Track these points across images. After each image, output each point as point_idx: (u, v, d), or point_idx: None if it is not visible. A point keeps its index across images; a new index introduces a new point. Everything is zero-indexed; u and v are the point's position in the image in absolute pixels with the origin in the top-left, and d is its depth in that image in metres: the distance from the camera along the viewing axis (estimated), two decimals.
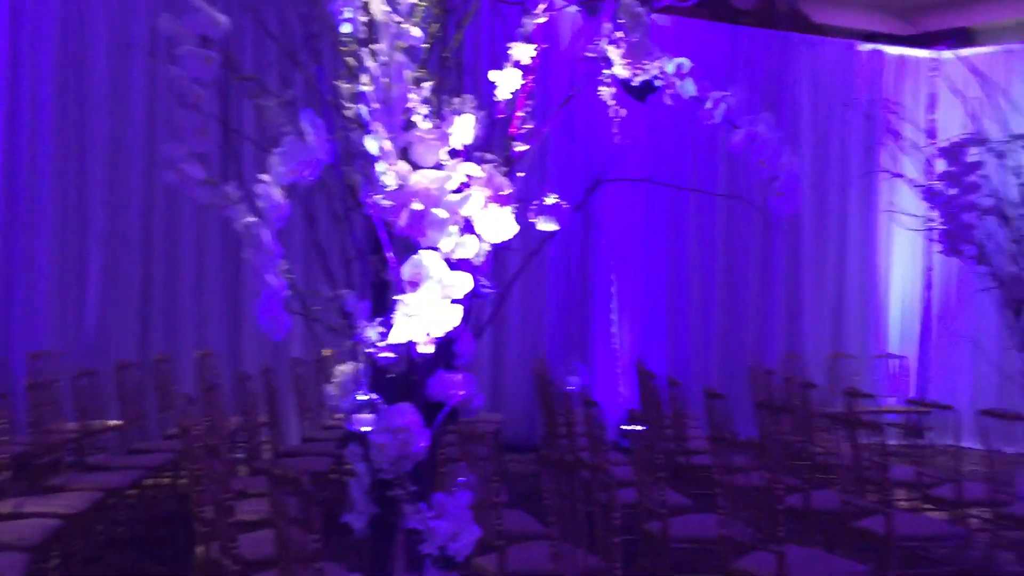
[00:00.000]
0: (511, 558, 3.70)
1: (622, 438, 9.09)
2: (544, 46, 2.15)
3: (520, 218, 2.20)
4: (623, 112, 2.14)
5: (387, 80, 2.00)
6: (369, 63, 2.00)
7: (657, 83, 2.11)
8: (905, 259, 10.79)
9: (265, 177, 2.03)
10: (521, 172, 2.22)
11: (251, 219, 2.03)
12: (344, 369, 2.14)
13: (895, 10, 10.91)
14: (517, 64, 2.16)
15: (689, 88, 2.13)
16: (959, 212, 4.38)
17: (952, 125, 9.84)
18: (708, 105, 2.11)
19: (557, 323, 9.58)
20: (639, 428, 5.14)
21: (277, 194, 2.01)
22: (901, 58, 10.75)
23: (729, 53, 10.11)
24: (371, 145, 1.99)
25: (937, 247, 4.85)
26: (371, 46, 2.01)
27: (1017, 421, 5.11)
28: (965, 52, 10.43)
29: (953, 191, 4.38)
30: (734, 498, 4.02)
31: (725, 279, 10.04)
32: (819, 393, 7.27)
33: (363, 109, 2.01)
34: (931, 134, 9.63)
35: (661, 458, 4.45)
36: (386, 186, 1.99)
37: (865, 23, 11.04)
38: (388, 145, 1.98)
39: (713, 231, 10.03)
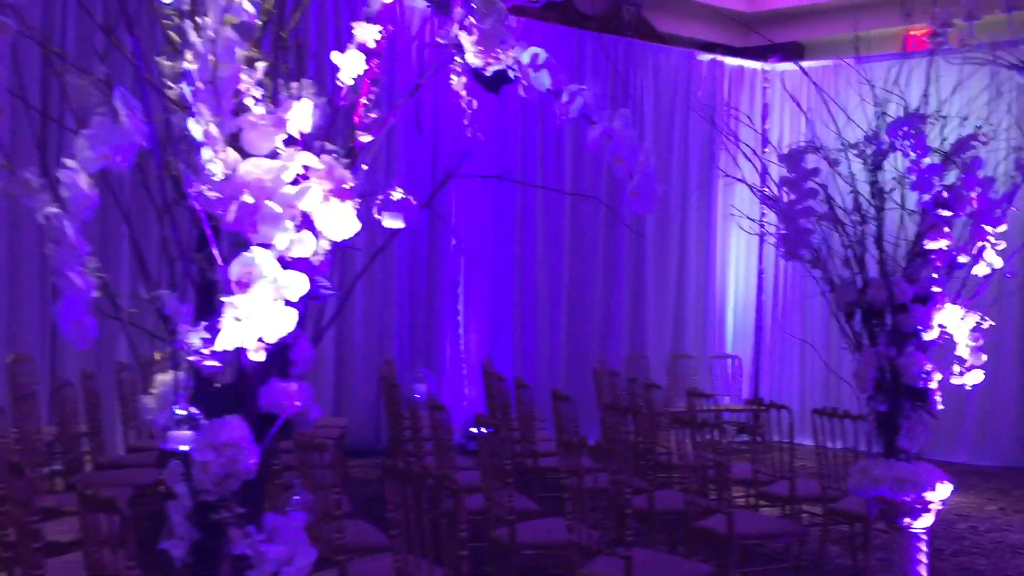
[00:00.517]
0: (353, 573, 3.52)
1: (469, 441, 9.00)
2: (390, 29, 2.00)
3: (364, 214, 2.04)
4: (474, 103, 2.01)
5: (214, 58, 1.79)
6: (194, 38, 1.79)
7: (511, 74, 2.00)
8: (741, 262, 11.20)
9: (70, 163, 1.78)
10: (365, 164, 2.05)
11: (53, 210, 1.78)
12: (163, 379, 1.92)
13: (732, 22, 11.29)
14: (361, 47, 1.99)
15: (544, 80, 2.02)
16: (797, 217, 4.48)
17: (784, 134, 10.30)
18: (564, 98, 2.01)
19: (403, 323, 9.40)
20: (486, 431, 5.04)
21: (84, 182, 1.77)
22: (739, 68, 11.15)
23: (575, 57, 10.20)
24: (195, 129, 1.78)
25: (776, 251, 4.97)
26: (196, 19, 1.80)
27: (846, 419, 5.31)
28: (802, 65, 10.93)
29: (792, 196, 4.48)
30: (582, 502, 3.97)
31: (571, 280, 10.12)
32: (661, 393, 7.40)
33: (186, 89, 1.79)
34: (764, 142, 10.01)
35: (509, 463, 4.36)
36: (212, 175, 1.79)
37: (705, 34, 11.39)
38: (215, 130, 1.78)
39: (560, 231, 10.09)
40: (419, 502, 3.15)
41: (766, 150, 5.15)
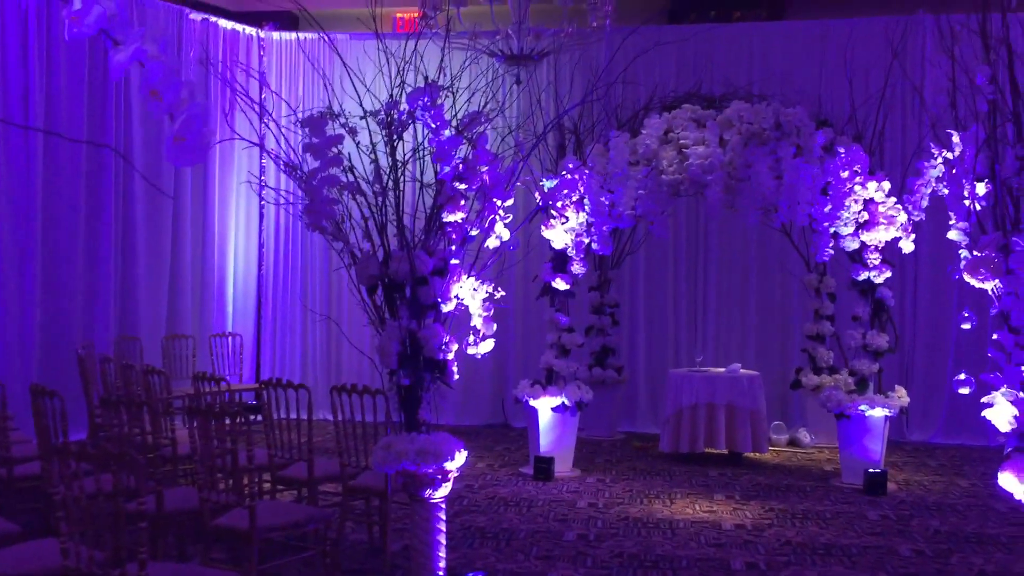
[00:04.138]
0: None
1: None
2: None
3: None
4: None
5: None
6: None
7: None
8: (241, 233, 10.71)
9: None
10: None
11: None
12: None
13: None
14: None
15: None
16: (320, 187, 4.25)
17: (281, 102, 10.01)
18: (77, 5, 1.49)
19: None
20: None
21: None
22: (234, 32, 10.60)
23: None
24: None
25: (301, 223, 4.69)
26: None
27: (365, 394, 5.22)
28: (295, 35, 10.71)
29: (315, 164, 4.24)
30: (76, 516, 3.32)
31: (46, 250, 8.73)
32: (159, 378, 6.72)
33: None
34: (264, 109, 9.64)
35: None
36: None
37: None
38: None
39: (31, 192, 8.62)
40: None
41: (272, 118, 4.84)
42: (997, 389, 4.17)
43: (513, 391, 8.32)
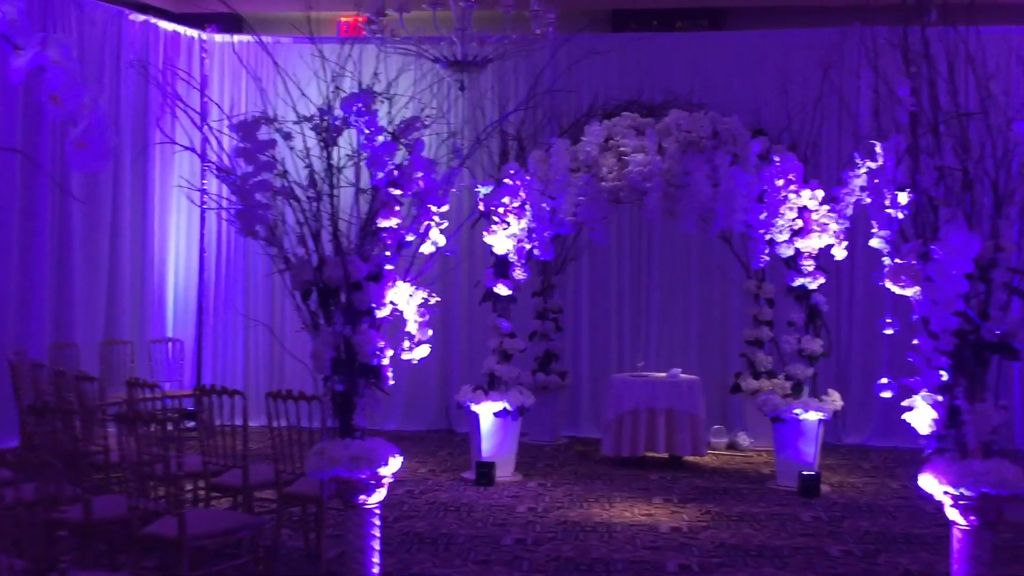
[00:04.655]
0: None
1: None
2: None
3: None
4: None
5: None
6: None
7: None
8: (182, 238, 10.57)
9: None
10: None
11: None
12: None
13: None
14: None
15: None
16: (253, 191, 4.23)
17: (224, 105, 9.92)
18: None
19: None
20: None
21: None
22: (175, 34, 10.48)
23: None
24: None
25: (232, 228, 4.68)
26: None
27: (301, 400, 5.20)
28: (238, 38, 10.60)
29: (248, 169, 4.23)
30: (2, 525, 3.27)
31: None
32: (95, 384, 6.62)
33: None
34: (204, 113, 9.54)
35: None
36: None
37: None
38: None
39: None
40: None
41: (209, 122, 4.81)
42: (917, 393, 4.28)
43: (456, 396, 8.33)
